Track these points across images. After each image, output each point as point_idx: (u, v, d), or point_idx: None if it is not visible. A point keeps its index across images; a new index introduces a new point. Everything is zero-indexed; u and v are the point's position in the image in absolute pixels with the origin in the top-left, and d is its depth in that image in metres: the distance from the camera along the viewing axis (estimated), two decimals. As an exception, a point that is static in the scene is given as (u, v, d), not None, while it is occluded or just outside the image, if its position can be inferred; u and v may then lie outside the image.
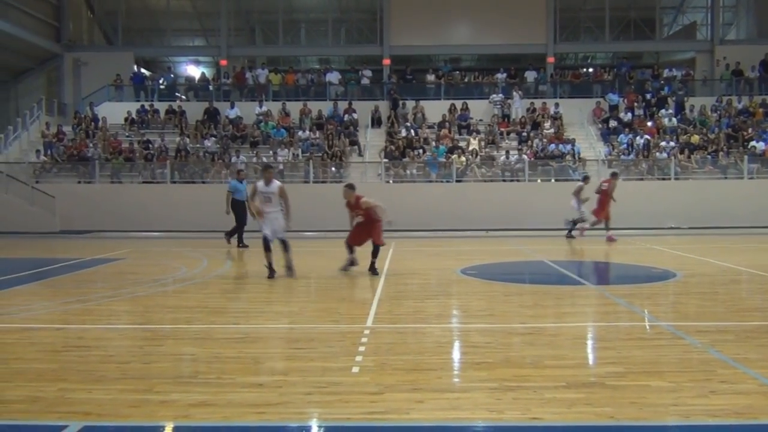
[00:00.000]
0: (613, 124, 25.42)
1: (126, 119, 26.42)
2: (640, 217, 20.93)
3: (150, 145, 24.50)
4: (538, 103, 26.88)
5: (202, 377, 5.29)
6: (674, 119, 25.50)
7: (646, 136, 23.81)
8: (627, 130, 24.69)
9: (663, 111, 26.00)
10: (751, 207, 20.92)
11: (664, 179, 22.58)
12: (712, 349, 6.02)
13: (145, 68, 33.64)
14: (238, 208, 15.99)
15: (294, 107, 26.63)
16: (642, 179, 22.72)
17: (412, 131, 24.82)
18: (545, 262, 13.43)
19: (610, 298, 9.05)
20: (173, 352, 6.18)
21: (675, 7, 33.37)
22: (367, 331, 6.82)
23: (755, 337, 6.60)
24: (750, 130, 24.16)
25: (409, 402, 4.60)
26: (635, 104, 26.32)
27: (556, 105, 26.40)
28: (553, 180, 22.95)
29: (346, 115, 26.08)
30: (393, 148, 23.76)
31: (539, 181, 23.03)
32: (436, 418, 4.34)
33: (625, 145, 23.73)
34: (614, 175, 17.90)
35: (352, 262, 11.18)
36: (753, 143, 23.29)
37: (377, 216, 11.06)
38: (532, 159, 23.21)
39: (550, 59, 30.29)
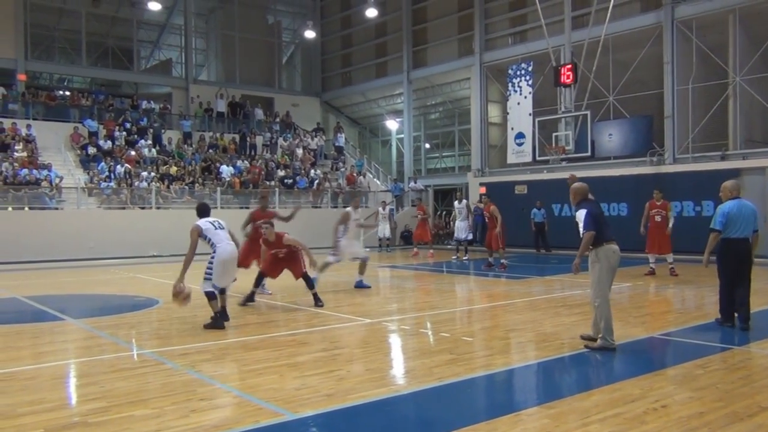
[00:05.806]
0: (92, 151, 24.78)
1: None
2: (122, 245, 20.96)
3: None
4: (7, 123, 24.41)
5: None
6: (153, 150, 26.33)
7: (126, 165, 23.95)
8: (107, 158, 24.39)
9: (142, 141, 26.58)
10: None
11: (144, 208, 23.03)
12: (191, 370, 6.39)
13: None
14: None
15: None
16: (123, 208, 22.71)
17: None
18: (18, 298, 12.22)
19: (92, 331, 8.76)
20: None
21: (152, 42, 34.60)
22: None
23: (229, 354, 7.27)
24: (219, 164, 26.56)
25: None
26: (115, 132, 26.26)
27: (29, 127, 24.44)
28: (26, 208, 21.08)
29: None
30: None
31: (10, 209, 20.84)
32: None
33: (105, 173, 23.37)
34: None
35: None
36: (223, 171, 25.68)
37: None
38: (1, 184, 20.91)
39: (21, 76, 27.90)
